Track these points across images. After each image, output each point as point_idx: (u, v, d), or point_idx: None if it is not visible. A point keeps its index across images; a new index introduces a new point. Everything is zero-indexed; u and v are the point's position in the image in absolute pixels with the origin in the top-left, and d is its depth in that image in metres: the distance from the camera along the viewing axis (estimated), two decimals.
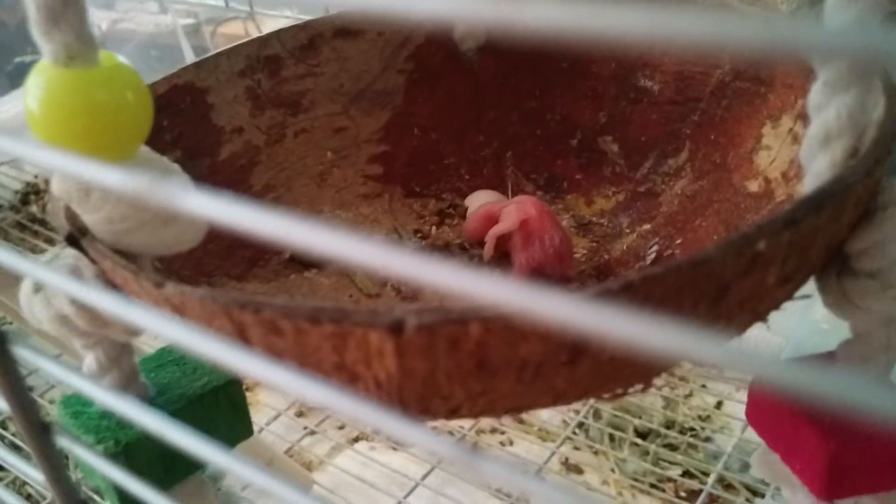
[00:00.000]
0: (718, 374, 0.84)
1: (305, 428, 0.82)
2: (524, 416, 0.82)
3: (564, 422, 0.81)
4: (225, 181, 0.40)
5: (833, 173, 0.23)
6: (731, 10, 0.37)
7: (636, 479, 0.74)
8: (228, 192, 0.40)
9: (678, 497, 0.72)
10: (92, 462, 0.25)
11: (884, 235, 0.23)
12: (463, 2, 0.11)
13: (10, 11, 1.54)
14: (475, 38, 0.46)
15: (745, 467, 0.72)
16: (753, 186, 0.35)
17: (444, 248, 0.43)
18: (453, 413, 0.22)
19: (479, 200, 0.44)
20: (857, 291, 0.24)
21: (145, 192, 0.16)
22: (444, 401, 0.21)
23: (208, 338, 0.18)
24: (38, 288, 0.26)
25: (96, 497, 0.71)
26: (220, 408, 0.31)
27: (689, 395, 0.83)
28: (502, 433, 0.81)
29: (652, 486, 0.73)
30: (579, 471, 0.77)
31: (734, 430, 0.76)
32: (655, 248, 0.39)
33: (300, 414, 0.85)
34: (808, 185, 0.24)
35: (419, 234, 0.44)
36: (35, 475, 0.27)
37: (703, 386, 0.84)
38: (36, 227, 1.13)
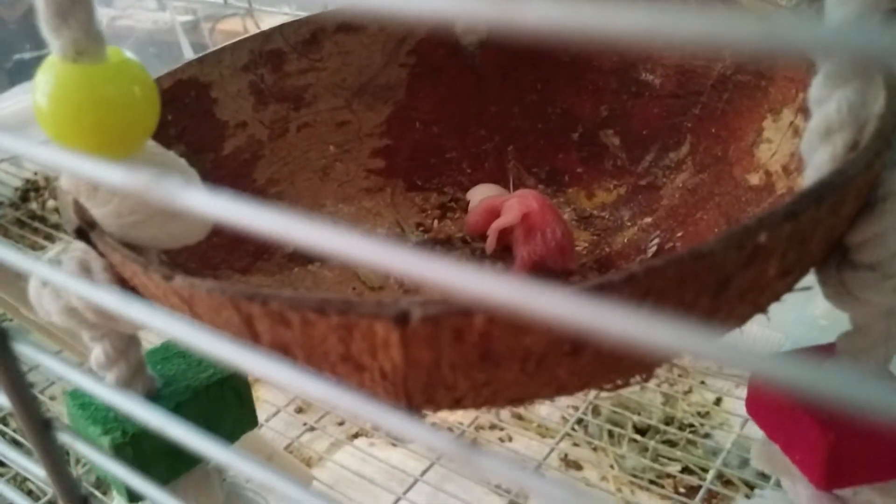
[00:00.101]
0: (718, 371, 0.84)
1: (305, 424, 0.82)
2: (523, 412, 0.82)
3: (563, 418, 0.81)
4: (228, 175, 0.41)
5: (833, 166, 0.23)
6: (733, 7, 0.37)
7: (635, 476, 0.74)
8: (232, 186, 0.41)
9: (677, 493, 0.72)
10: (93, 458, 0.25)
11: (884, 227, 0.23)
12: (464, 0, 0.12)
13: (10, 8, 1.54)
14: (477, 32, 0.46)
15: (744, 464, 0.72)
16: (754, 179, 0.36)
17: (446, 242, 0.43)
18: (457, 403, 0.22)
19: (480, 194, 0.45)
20: (857, 283, 0.24)
21: (146, 190, 0.16)
22: (448, 391, 0.21)
23: (211, 335, 0.18)
24: (47, 281, 0.26)
25: (97, 493, 0.72)
26: (226, 399, 0.31)
27: (689, 392, 0.83)
28: (501, 429, 0.81)
29: (651, 482, 0.73)
30: (578, 467, 0.77)
31: (733, 427, 0.77)
32: (657, 241, 0.39)
33: (300, 410, 0.85)
34: (808, 177, 0.25)
35: (421, 228, 0.44)
36: (36, 471, 0.27)
37: (703, 382, 0.84)
38: (36, 224, 1.13)
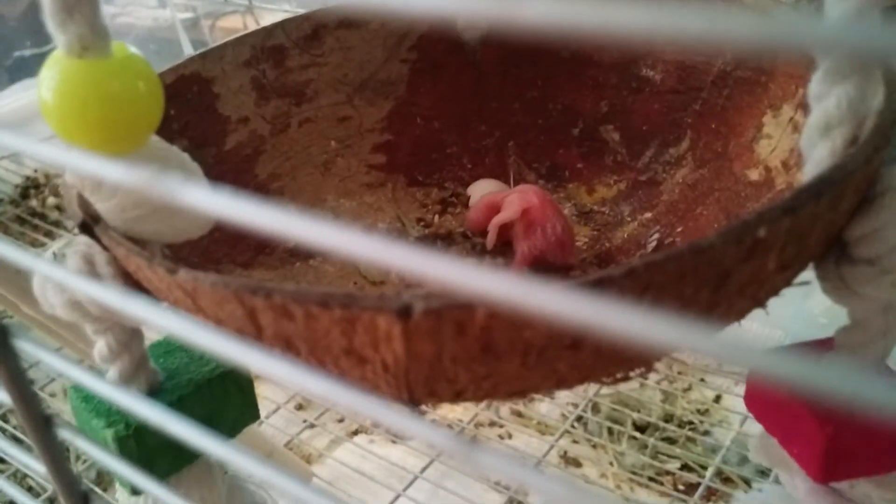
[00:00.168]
0: (717, 368, 0.84)
1: (305, 421, 0.82)
2: (523, 409, 0.82)
3: (563, 415, 0.81)
4: (230, 170, 0.41)
5: (833, 161, 0.23)
6: (733, 3, 0.37)
7: (634, 473, 0.74)
8: (234, 181, 0.41)
9: (676, 490, 0.72)
10: (93, 453, 0.26)
11: (882, 222, 0.23)
12: None
13: (10, 5, 1.54)
14: (478, 28, 0.46)
15: (744, 461, 0.72)
16: (754, 175, 0.36)
17: (446, 237, 0.44)
18: (458, 396, 0.23)
19: (481, 189, 0.45)
20: (856, 278, 0.24)
21: (148, 187, 0.16)
22: (450, 384, 0.21)
23: (213, 331, 0.18)
24: (50, 278, 0.26)
25: (97, 489, 0.72)
26: (228, 392, 0.31)
27: (688, 389, 0.83)
28: (501, 427, 0.81)
29: (650, 479, 0.73)
30: (578, 464, 0.77)
31: (733, 424, 0.77)
32: (656, 236, 0.39)
33: (300, 407, 0.85)
34: (808, 173, 0.25)
35: (422, 223, 0.45)
36: (37, 467, 0.27)
37: (702, 380, 0.84)
38: (36, 221, 1.13)
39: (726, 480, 0.72)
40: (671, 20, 0.10)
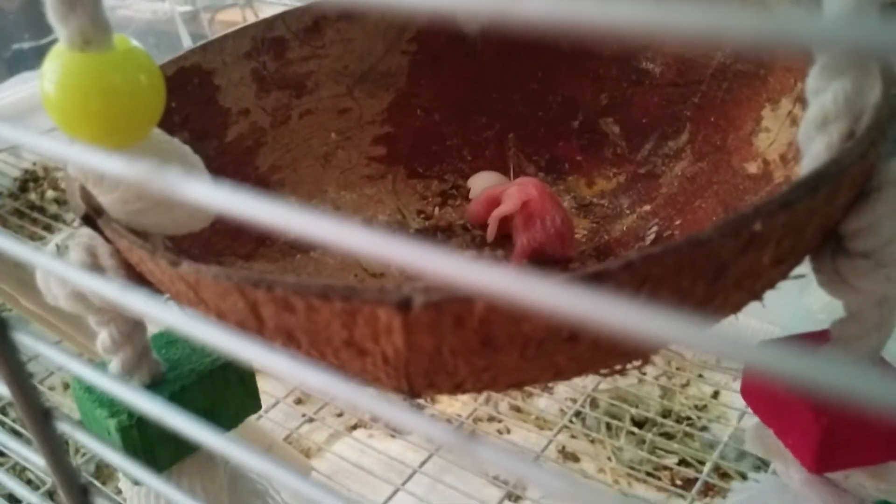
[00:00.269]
0: (715, 364, 0.84)
1: (304, 415, 0.82)
2: (521, 404, 0.82)
3: (562, 410, 0.81)
4: (231, 162, 0.41)
5: (830, 156, 0.24)
6: None
7: (632, 468, 0.74)
8: (235, 172, 0.41)
9: (674, 485, 0.72)
10: (92, 446, 0.26)
11: (878, 216, 0.24)
12: None
13: None
14: (478, 20, 0.46)
15: (741, 456, 0.72)
16: (752, 168, 0.36)
17: (447, 229, 0.44)
18: (457, 388, 0.23)
19: (481, 182, 0.45)
20: (851, 271, 0.24)
21: (148, 180, 0.17)
22: (449, 376, 0.22)
23: (214, 325, 0.18)
24: (51, 272, 0.26)
25: (96, 482, 0.72)
26: (230, 383, 0.32)
27: (686, 385, 0.83)
28: (499, 421, 0.82)
29: (648, 474, 0.73)
30: (576, 459, 0.77)
31: (730, 420, 0.77)
32: (655, 228, 0.40)
33: (299, 401, 0.85)
34: (805, 167, 0.25)
35: (422, 215, 0.45)
36: (36, 460, 0.27)
37: (701, 376, 0.84)
38: (35, 215, 1.13)
39: (724, 476, 0.72)
40: (669, 15, 0.10)
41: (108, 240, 0.26)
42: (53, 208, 1.14)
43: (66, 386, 0.87)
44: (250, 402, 0.33)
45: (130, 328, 0.28)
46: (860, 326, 0.26)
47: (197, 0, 1.31)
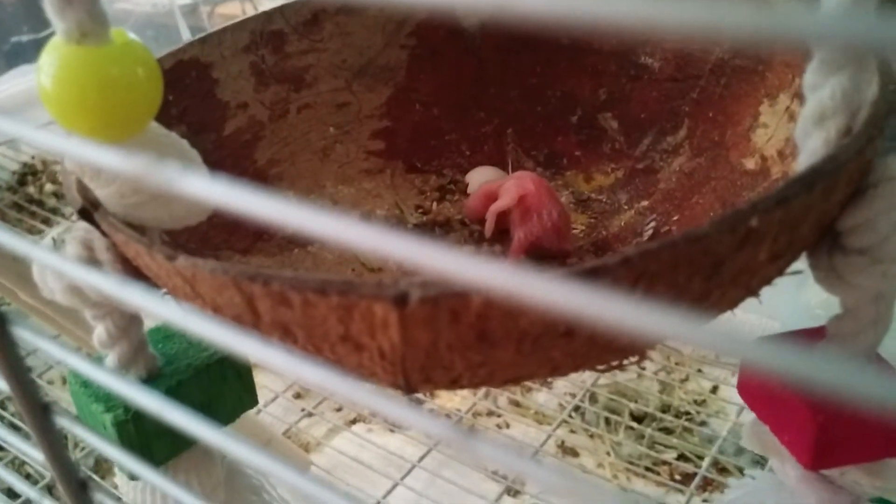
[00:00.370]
0: (714, 360, 0.84)
1: (303, 410, 0.82)
2: (521, 399, 0.83)
3: (561, 405, 0.81)
4: (229, 156, 0.41)
5: (827, 152, 0.24)
6: None
7: (631, 463, 0.74)
8: (233, 166, 0.41)
9: (673, 480, 0.72)
10: (91, 441, 0.26)
11: (874, 213, 0.24)
12: None
13: None
14: (477, 15, 0.46)
15: (740, 451, 0.72)
16: (750, 164, 0.36)
17: (444, 224, 0.44)
18: (454, 383, 0.23)
19: (479, 177, 0.45)
20: (848, 267, 0.24)
21: (145, 175, 0.17)
22: (446, 371, 0.22)
23: (211, 320, 0.18)
24: (48, 266, 0.26)
25: (95, 476, 0.72)
26: (227, 377, 0.32)
27: (685, 380, 0.84)
28: (499, 416, 0.82)
29: (647, 469, 0.74)
30: (575, 454, 0.78)
31: (729, 415, 0.77)
32: (653, 224, 0.40)
33: (298, 396, 0.85)
34: (802, 163, 0.25)
35: (420, 210, 0.45)
36: (35, 455, 0.27)
37: (700, 371, 0.84)
38: (33, 208, 1.13)
39: (722, 470, 0.72)
40: (667, 11, 0.10)
41: (104, 234, 0.26)
42: (52, 202, 1.14)
43: (65, 380, 0.87)
44: (247, 397, 0.33)
45: (127, 322, 0.28)
46: (856, 323, 0.26)
47: None
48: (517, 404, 0.83)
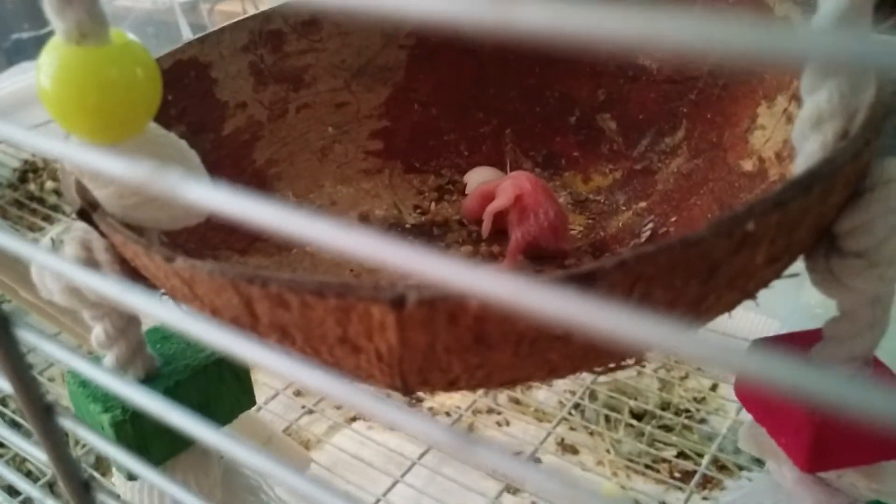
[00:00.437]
0: None
1: (303, 407, 0.82)
2: (520, 396, 0.83)
3: (561, 403, 0.81)
4: (228, 156, 0.41)
5: (824, 154, 0.24)
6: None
7: (631, 460, 0.74)
8: (231, 166, 0.41)
9: (672, 478, 0.72)
10: (92, 440, 0.26)
11: (871, 216, 0.24)
12: (459, 2, 0.12)
13: None
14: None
15: (739, 449, 0.72)
16: (748, 166, 0.36)
17: (442, 224, 0.44)
18: (451, 385, 0.23)
19: (477, 177, 0.45)
20: (845, 270, 0.24)
21: (147, 182, 0.17)
22: (443, 373, 0.22)
23: (207, 322, 0.18)
24: (46, 267, 0.26)
25: (97, 474, 0.72)
26: (224, 378, 0.32)
27: (685, 378, 0.84)
28: (499, 413, 0.82)
29: (647, 466, 0.74)
30: (575, 451, 0.78)
31: (729, 413, 0.77)
32: (651, 225, 0.40)
33: (298, 393, 0.85)
34: (799, 165, 0.25)
35: (419, 210, 0.45)
36: (37, 454, 0.27)
37: (699, 368, 0.84)
38: (34, 206, 1.12)
39: (722, 468, 0.72)
40: (662, 28, 0.10)
41: (103, 234, 0.26)
42: (53, 199, 1.14)
43: None
44: (245, 397, 0.33)
45: (125, 323, 0.28)
46: (853, 326, 0.26)
47: None
48: (517, 402, 0.83)
